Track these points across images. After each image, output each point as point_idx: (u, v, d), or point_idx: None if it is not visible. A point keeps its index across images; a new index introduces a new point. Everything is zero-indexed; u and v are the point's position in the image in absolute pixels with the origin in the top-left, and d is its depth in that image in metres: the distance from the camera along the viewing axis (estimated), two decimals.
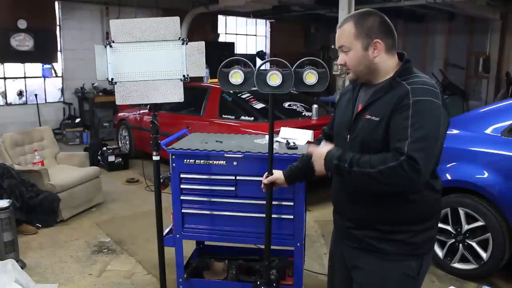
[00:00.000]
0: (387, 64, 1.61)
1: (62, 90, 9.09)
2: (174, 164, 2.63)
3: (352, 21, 1.59)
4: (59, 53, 8.91)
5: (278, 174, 2.08)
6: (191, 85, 5.37)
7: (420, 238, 1.61)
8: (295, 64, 2.11)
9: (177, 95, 2.44)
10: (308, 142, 2.77)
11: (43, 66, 8.71)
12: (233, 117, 5.21)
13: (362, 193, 1.62)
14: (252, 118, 5.05)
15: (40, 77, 8.78)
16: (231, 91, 5.17)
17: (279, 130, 2.91)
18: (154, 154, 2.52)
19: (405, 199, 1.57)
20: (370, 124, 1.58)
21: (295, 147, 2.61)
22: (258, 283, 2.30)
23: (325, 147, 1.66)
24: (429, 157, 1.47)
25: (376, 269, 1.65)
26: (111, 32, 2.38)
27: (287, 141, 2.70)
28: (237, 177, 2.57)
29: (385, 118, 1.53)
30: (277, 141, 2.73)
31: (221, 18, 11.67)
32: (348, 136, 1.67)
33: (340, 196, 1.75)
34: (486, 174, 3.10)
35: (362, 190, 1.61)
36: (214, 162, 2.58)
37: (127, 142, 7.17)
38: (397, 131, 1.49)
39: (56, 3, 8.81)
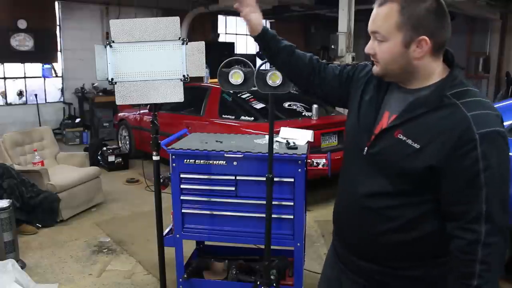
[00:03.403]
0: (429, 67, 1.24)
1: (62, 90, 9.09)
2: (174, 164, 2.63)
3: (398, 4, 1.19)
4: (59, 53, 8.91)
5: (257, 18, 1.52)
6: (191, 85, 5.37)
7: (438, 272, 1.32)
8: None
9: (177, 95, 2.44)
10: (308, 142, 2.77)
11: (43, 66, 8.71)
12: (233, 117, 5.21)
13: (372, 222, 1.32)
14: (252, 118, 5.05)
15: (40, 77, 8.77)
16: (231, 91, 5.17)
17: (279, 130, 2.92)
18: (154, 154, 2.52)
19: (423, 234, 1.27)
20: (403, 148, 1.22)
21: (295, 147, 2.61)
22: (258, 283, 2.30)
23: None
24: (509, 212, 1.18)
25: None
26: (111, 32, 2.39)
27: (287, 141, 2.70)
28: (237, 177, 2.57)
29: (430, 151, 1.18)
30: (277, 141, 2.73)
31: (221, 18, 11.67)
32: (366, 149, 1.32)
33: (345, 222, 1.43)
34: None
35: (372, 219, 1.32)
36: (214, 162, 2.58)
37: (127, 142, 7.17)
38: (466, 191, 1.15)
39: (56, 3, 8.81)
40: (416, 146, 1.20)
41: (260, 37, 1.55)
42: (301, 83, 1.64)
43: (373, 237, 1.32)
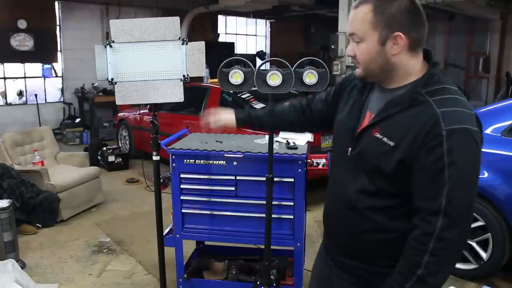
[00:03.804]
0: (407, 64, 1.27)
1: (62, 90, 9.09)
2: (174, 164, 2.63)
3: (372, 4, 1.23)
4: (59, 53, 8.91)
5: (227, 117, 1.79)
6: (191, 85, 5.37)
7: None
8: (295, 64, 2.11)
9: (177, 95, 2.44)
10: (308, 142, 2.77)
11: (43, 66, 8.71)
12: None
13: (355, 221, 1.35)
14: None
15: (40, 77, 8.78)
16: (231, 91, 5.17)
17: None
18: (154, 154, 2.52)
19: (405, 235, 1.27)
20: (380, 146, 1.26)
21: (295, 147, 2.61)
22: (258, 283, 2.30)
23: None
24: (471, 211, 1.22)
25: None
26: (111, 32, 2.39)
27: (287, 141, 2.70)
28: (237, 177, 2.57)
29: (404, 146, 1.21)
30: (277, 141, 2.73)
31: (221, 18, 11.67)
32: (350, 150, 1.36)
33: (333, 222, 1.47)
34: (486, 174, 3.09)
35: (356, 218, 1.35)
36: (214, 162, 2.58)
37: (127, 142, 7.17)
38: (430, 187, 1.17)
39: (56, 3, 8.81)
40: (391, 143, 1.23)
41: (240, 124, 1.79)
42: (300, 128, 1.80)
43: (359, 236, 1.35)
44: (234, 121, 1.79)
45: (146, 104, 4.85)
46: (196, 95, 5.70)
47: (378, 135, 1.27)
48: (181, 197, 2.66)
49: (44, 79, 8.84)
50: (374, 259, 1.35)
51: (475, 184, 1.20)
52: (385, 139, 1.25)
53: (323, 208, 1.54)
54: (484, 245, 3.15)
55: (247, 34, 12.63)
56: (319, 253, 1.64)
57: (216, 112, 1.81)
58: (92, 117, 8.58)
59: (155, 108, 2.57)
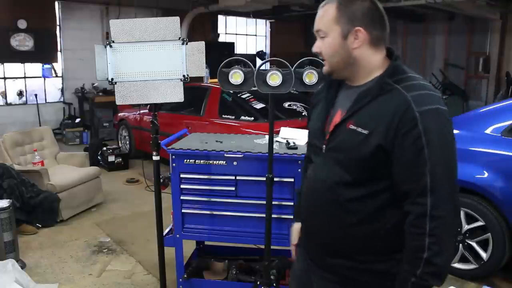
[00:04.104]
0: (370, 60, 1.34)
1: (62, 90, 9.09)
2: (174, 164, 2.63)
3: (336, 2, 1.33)
4: (59, 53, 8.90)
5: (297, 229, 1.67)
6: (191, 85, 5.37)
7: None
8: (295, 64, 2.11)
9: (177, 95, 2.44)
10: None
11: (43, 66, 8.70)
12: (233, 117, 5.21)
13: (338, 216, 1.36)
14: (252, 118, 5.05)
15: (40, 77, 8.77)
16: (231, 91, 5.18)
17: (279, 130, 2.92)
18: (154, 154, 2.52)
19: (388, 226, 1.31)
20: (355, 136, 1.29)
21: (295, 147, 2.61)
22: (258, 283, 2.30)
23: None
24: (456, 185, 1.25)
25: None
26: (111, 32, 2.39)
27: (287, 141, 2.70)
28: (237, 177, 2.57)
29: (378, 133, 1.25)
30: (277, 141, 2.73)
31: (221, 18, 11.67)
32: (324, 146, 1.39)
33: (313, 219, 1.46)
34: (486, 174, 3.10)
35: (338, 213, 1.35)
36: (214, 162, 2.58)
37: (127, 142, 7.17)
38: (413, 169, 1.21)
39: (56, 3, 8.81)
40: (365, 132, 1.28)
41: None
42: None
43: (342, 232, 1.36)
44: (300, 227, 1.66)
45: (146, 104, 4.86)
46: (196, 95, 5.70)
47: (352, 126, 1.31)
48: (181, 197, 2.66)
49: (44, 79, 8.84)
50: (358, 254, 1.35)
51: (455, 159, 1.25)
52: (359, 129, 1.29)
53: (301, 209, 1.53)
54: (484, 245, 3.15)
55: (247, 34, 12.63)
56: (297, 252, 1.63)
57: (291, 236, 1.71)
58: (92, 117, 8.57)
59: (155, 108, 2.57)
